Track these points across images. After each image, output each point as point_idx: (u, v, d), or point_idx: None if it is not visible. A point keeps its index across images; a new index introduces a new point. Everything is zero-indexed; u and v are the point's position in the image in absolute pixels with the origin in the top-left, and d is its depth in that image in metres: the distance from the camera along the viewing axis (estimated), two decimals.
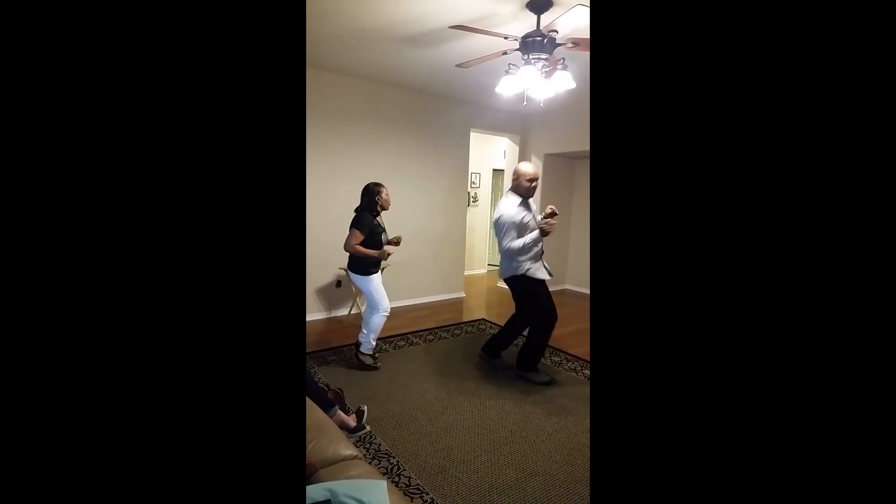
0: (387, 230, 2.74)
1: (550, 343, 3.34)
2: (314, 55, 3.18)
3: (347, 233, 2.61)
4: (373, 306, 2.70)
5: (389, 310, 2.74)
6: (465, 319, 3.97)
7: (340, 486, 1.07)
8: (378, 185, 2.65)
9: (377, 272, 2.70)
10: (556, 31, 2.15)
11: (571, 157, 5.08)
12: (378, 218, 2.67)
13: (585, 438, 2.08)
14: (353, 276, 2.71)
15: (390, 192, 2.71)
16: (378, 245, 2.63)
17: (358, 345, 2.80)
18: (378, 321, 2.71)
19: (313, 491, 1.05)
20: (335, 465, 1.27)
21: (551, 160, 5.00)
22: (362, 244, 2.56)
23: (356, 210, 2.67)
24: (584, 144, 4.43)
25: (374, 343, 2.78)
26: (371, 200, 2.62)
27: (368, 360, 2.77)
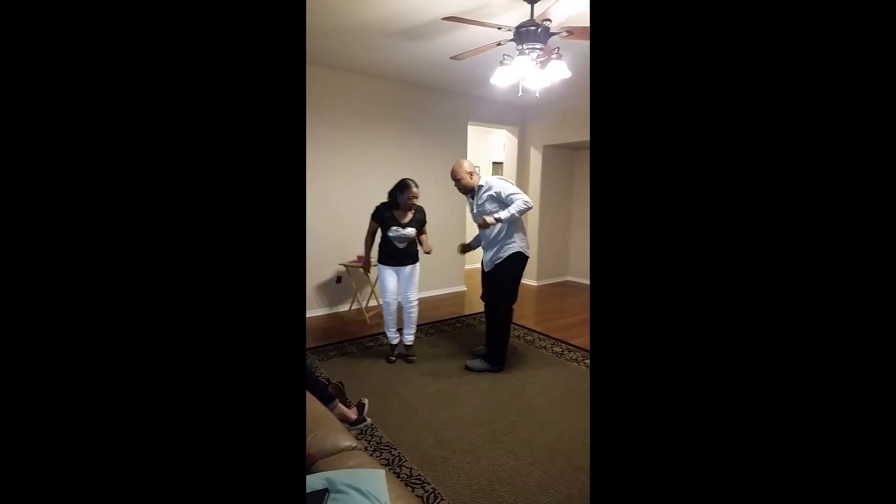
0: (406, 225, 2.69)
1: (552, 334, 3.36)
2: (307, 51, 3.17)
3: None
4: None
5: (388, 303, 2.80)
6: (466, 313, 3.98)
7: (338, 476, 1.08)
8: (407, 184, 2.63)
9: (387, 264, 2.73)
10: (550, 21, 2.14)
11: (571, 148, 5.06)
12: (396, 212, 2.67)
13: (586, 426, 2.09)
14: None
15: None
16: (385, 238, 2.70)
17: (402, 339, 2.91)
18: (384, 311, 2.85)
19: (311, 480, 1.07)
20: (334, 456, 1.29)
21: (550, 151, 4.98)
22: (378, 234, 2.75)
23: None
24: (582, 135, 4.41)
25: (388, 332, 2.89)
26: (393, 193, 2.66)
27: (388, 350, 2.92)
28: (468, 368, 2.72)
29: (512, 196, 2.51)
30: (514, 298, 2.72)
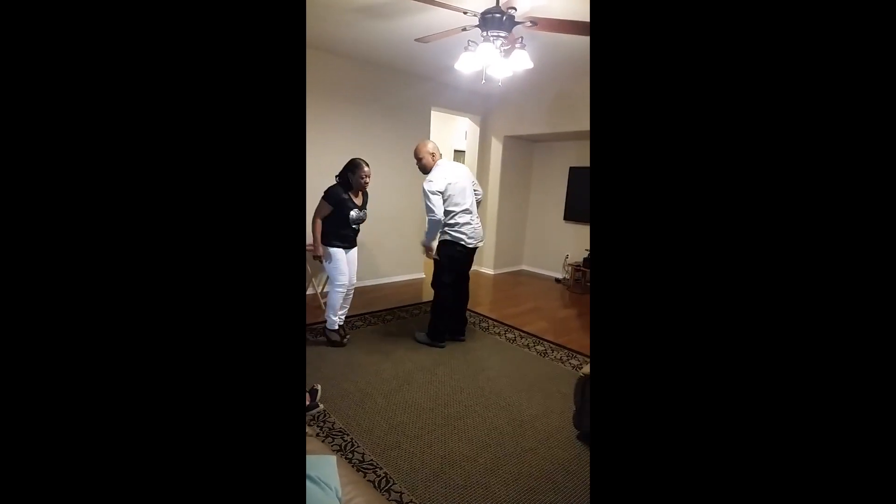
0: (362, 207, 2.72)
1: (506, 321, 3.44)
2: None
3: (310, 211, 2.66)
4: (329, 280, 2.77)
5: (345, 285, 2.75)
6: (424, 299, 3.98)
7: None
8: (358, 163, 2.59)
9: (341, 246, 2.70)
10: (515, 9, 2.14)
11: (531, 140, 5.13)
12: (350, 193, 2.64)
13: (535, 410, 2.17)
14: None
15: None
16: (342, 220, 2.64)
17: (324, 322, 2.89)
18: (333, 297, 2.76)
19: None
20: None
21: (511, 142, 5.03)
22: (329, 217, 2.62)
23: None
24: (542, 128, 4.48)
25: (335, 318, 2.79)
26: (344, 174, 2.62)
27: (334, 336, 2.81)
28: (416, 340, 2.97)
29: (427, 210, 2.62)
30: (448, 279, 2.85)
